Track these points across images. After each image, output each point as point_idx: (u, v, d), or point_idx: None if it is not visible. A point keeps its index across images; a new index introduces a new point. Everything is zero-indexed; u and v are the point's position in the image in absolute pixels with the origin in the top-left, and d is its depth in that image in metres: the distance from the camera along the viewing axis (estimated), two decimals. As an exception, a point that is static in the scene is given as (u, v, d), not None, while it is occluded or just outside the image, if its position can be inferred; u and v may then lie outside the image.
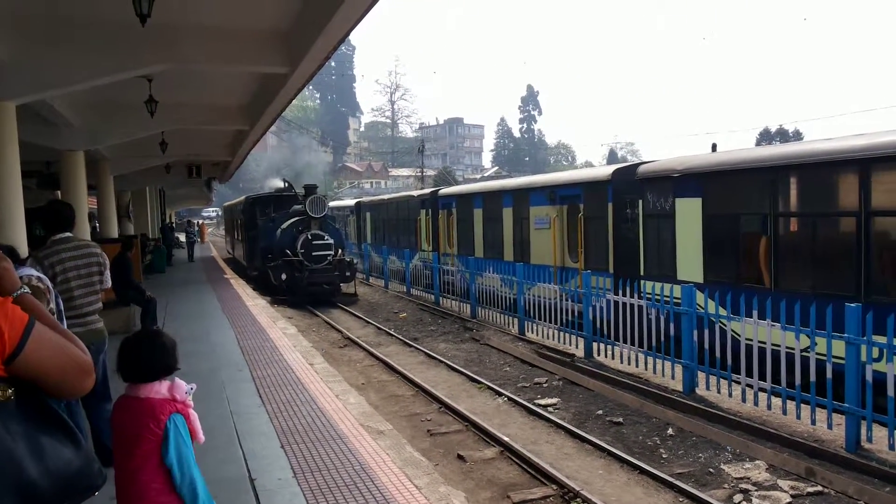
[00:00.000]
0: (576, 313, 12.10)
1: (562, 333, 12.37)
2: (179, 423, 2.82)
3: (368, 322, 16.32)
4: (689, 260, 11.22)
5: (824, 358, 7.25)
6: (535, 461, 6.87)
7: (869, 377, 6.78)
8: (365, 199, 34.27)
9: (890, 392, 6.58)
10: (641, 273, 12.29)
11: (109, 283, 5.75)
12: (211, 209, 71.27)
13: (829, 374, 7.18)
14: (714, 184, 10.95)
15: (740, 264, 10.49)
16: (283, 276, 18.97)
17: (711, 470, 6.84)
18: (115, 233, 17.52)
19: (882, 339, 6.73)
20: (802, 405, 7.64)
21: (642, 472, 6.75)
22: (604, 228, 13.55)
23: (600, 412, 8.78)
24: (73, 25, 7.98)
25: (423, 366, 11.84)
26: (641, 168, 12.70)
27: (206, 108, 13.69)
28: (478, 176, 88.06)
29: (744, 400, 8.34)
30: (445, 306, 18.06)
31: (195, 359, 9.26)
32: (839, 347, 7.09)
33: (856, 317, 6.91)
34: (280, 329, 12.20)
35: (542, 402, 9.30)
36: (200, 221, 50.57)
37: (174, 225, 44.90)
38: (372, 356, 12.57)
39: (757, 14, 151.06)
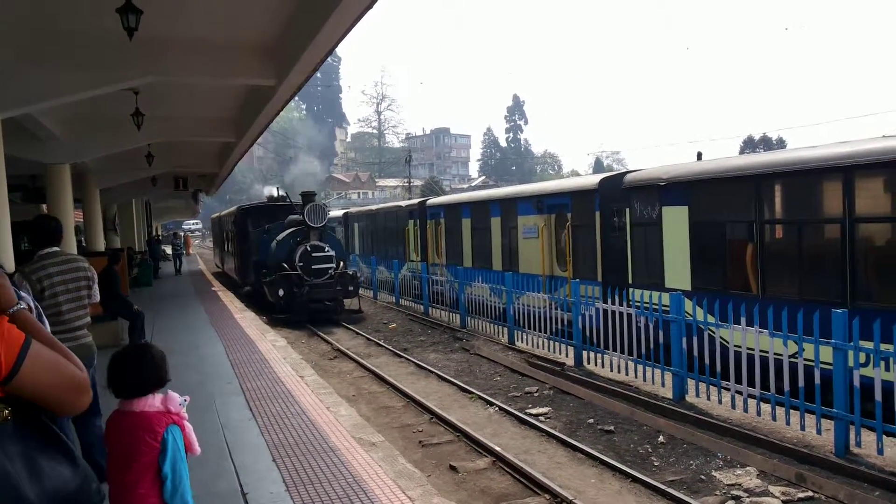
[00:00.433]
0: (565, 322, 12.13)
1: (551, 342, 12.39)
2: (176, 435, 2.83)
3: (358, 333, 16.28)
4: (677, 268, 11.29)
5: (812, 364, 7.31)
6: (528, 471, 6.86)
7: (857, 382, 6.84)
8: (353, 209, 34.25)
9: (878, 397, 6.64)
10: (629, 281, 12.35)
11: (98, 298, 5.71)
12: (192, 221, 69.51)
13: (817, 380, 7.24)
14: (700, 192, 11.04)
15: (727, 271, 10.57)
16: (281, 293, 17.42)
17: (703, 477, 6.86)
18: (101, 246, 17.42)
19: (869, 345, 6.81)
20: (791, 411, 7.70)
21: (635, 480, 6.76)
22: (592, 237, 13.62)
23: (591, 420, 8.79)
24: (59, 39, 7.97)
25: (413, 376, 11.81)
26: (628, 177, 12.79)
27: (193, 121, 13.68)
28: (465, 186, 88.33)
29: (733, 406, 8.38)
30: (435, 316, 18.05)
31: (184, 372, 9.21)
32: (827, 353, 7.15)
33: (842, 323, 6.97)
34: (269, 341, 12.15)
35: (534, 411, 9.31)
36: (185, 234, 50.21)
37: (161, 238, 44.66)
38: (362, 367, 12.53)
39: (740, 23, 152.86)
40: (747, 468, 6.94)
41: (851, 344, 6.89)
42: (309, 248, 17.86)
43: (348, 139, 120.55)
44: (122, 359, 2.93)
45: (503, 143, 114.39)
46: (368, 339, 15.45)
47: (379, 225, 27.55)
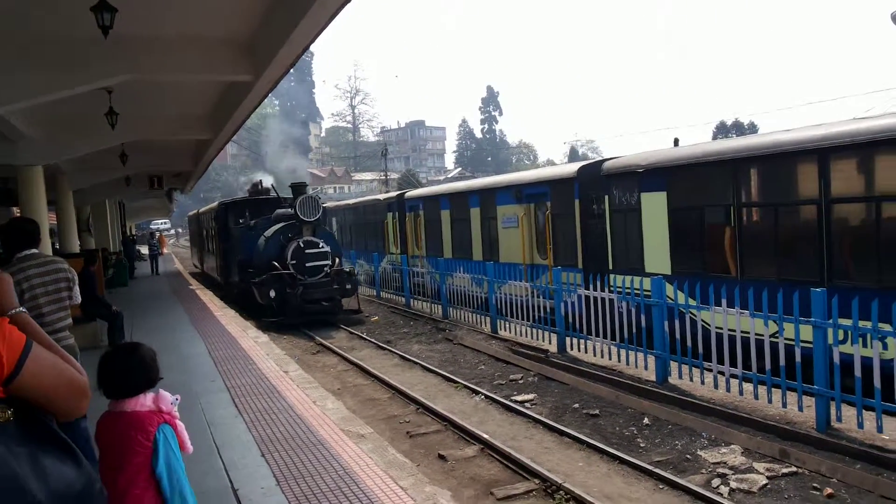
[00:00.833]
0: (547, 309, 12.20)
1: (534, 330, 12.46)
2: (168, 434, 2.81)
3: (340, 327, 16.23)
4: (657, 253, 11.41)
5: (793, 343, 7.43)
6: (516, 457, 6.92)
7: (836, 359, 6.97)
8: (331, 203, 34.08)
9: (857, 372, 6.78)
10: (610, 267, 12.46)
11: (79, 299, 5.64)
12: (160, 221, 67.89)
13: (797, 358, 7.36)
14: (678, 177, 11.15)
15: (706, 255, 10.69)
16: (272, 294, 15.94)
17: (689, 456, 6.96)
18: (76, 248, 17.17)
19: (847, 322, 6.94)
20: (773, 389, 7.83)
21: (622, 461, 6.84)
22: (571, 225, 13.69)
23: (577, 405, 8.86)
24: (30, 38, 7.82)
25: (397, 368, 11.82)
26: (607, 164, 12.87)
27: (168, 118, 13.51)
28: (441, 178, 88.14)
29: (716, 387, 8.50)
30: (417, 308, 18.05)
31: (166, 372, 8.90)
32: (807, 332, 7.27)
33: (822, 301, 7.09)
34: (251, 338, 12.09)
35: (519, 398, 9.36)
36: (160, 233, 49.59)
37: (135, 237, 44.12)
38: (346, 361, 12.51)
39: (714, 7, 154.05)
40: (732, 446, 7.06)
41: (831, 322, 7.01)
42: (302, 245, 16.59)
43: (323, 134, 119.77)
44: (112, 358, 2.90)
45: (478, 135, 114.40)
46: (351, 332, 15.42)
47: (358, 219, 27.47)
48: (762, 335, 7.82)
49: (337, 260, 17.32)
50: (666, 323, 9.19)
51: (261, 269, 16.77)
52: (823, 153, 8.71)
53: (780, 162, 9.55)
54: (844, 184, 8.85)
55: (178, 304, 17.86)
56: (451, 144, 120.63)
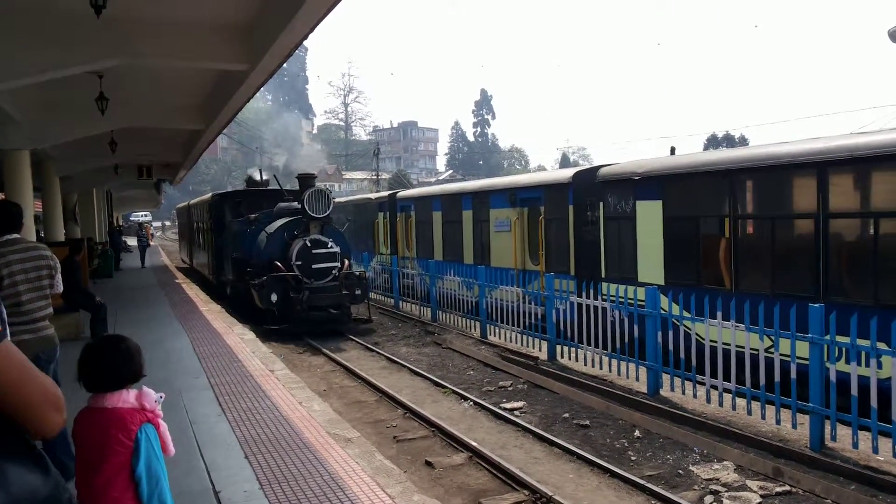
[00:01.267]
0: (538, 316, 12.07)
1: (524, 336, 12.32)
2: (151, 434, 2.65)
3: (349, 337, 15.90)
4: (650, 262, 11.30)
5: (788, 358, 7.33)
6: (506, 466, 6.76)
7: (833, 377, 6.87)
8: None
9: (853, 391, 6.68)
10: (603, 275, 12.34)
11: (61, 288, 5.45)
12: (141, 213, 66.57)
13: (793, 375, 7.26)
14: (674, 186, 11.05)
15: (700, 266, 10.59)
16: (274, 298, 14.30)
17: (681, 471, 6.83)
18: (61, 236, 16.86)
19: (843, 339, 6.84)
20: (767, 405, 7.72)
21: (613, 475, 6.70)
22: (565, 231, 13.58)
23: (567, 415, 8.72)
24: (20, 16, 7.58)
25: (385, 370, 11.64)
26: (602, 171, 12.76)
27: (160, 107, 13.26)
28: (432, 179, 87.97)
29: (708, 401, 8.38)
30: (405, 310, 17.87)
31: (149, 366, 8.69)
32: (803, 348, 7.16)
33: (819, 317, 6.99)
34: (237, 335, 11.87)
35: (508, 405, 9.21)
36: (146, 224, 48.96)
37: (122, 228, 43.66)
38: (333, 361, 12.31)
39: (711, 20, 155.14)
40: (724, 462, 6.94)
41: (828, 338, 6.91)
42: (309, 243, 14.86)
43: (315, 131, 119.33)
44: (95, 350, 2.77)
45: (471, 138, 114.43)
46: (343, 335, 15.18)
47: (348, 217, 27.22)
48: (756, 349, 7.72)
49: (346, 262, 15.69)
50: (659, 334, 9.07)
51: (260, 269, 15.13)
52: (822, 167, 8.62)
53: (779, 174, 9.47)
54: (843, 198, 8.78)
55: (164, 297, 17.58)
56: (443, 146, 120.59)
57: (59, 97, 11.68)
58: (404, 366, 11.74)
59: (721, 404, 8.23)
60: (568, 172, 14.26)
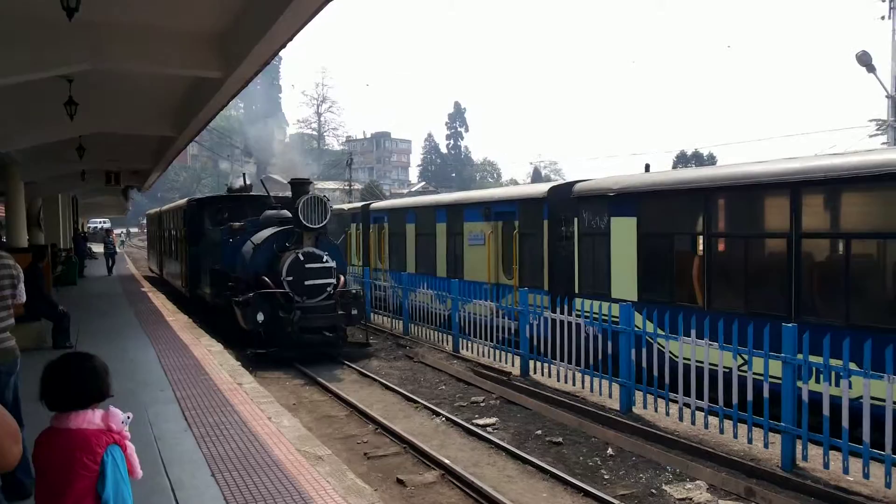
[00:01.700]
0: (511, 331, 12.02)
1: (497, 351, 12.25)
2: (117, 456, 2.52)
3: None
4: (624, 278, 11.32)
5: (761, 377, 7.35)
6: (479, 485, 6.66)
7: (805, 397, 6.90)
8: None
9: (825, 412, 6.71)
10: (576, 290, 12.34)
11: (24, 298, 5.27)
12: (98, 220, 64.47)
13: (765, 394, 7.28)
14: (649, 203, 11.10)
15: (674, 284, 10.63)
16: (260, 318, 12.77)
17: (654, 490, 6.80)
18: (24, 242, 16.44)
19: (816, 359, 6.88)
20: (739, 424, 7.73)
21: (587, 493, 6.64)
22: (539, 246, 13.57)
23: (539, 432, 8.65)
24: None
25: (356, 384, 11.48)
26: (577, 186, 12.78)
27: (130, 113, 13.01)
28: (405, 191, 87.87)
29: (681, 419, 8.38)
30: (377, 322, 17.71)
31: (113, 379, 8.63)
32: (776, 367, 7.19)
33: (792, 337, 7.02)
34: (205, 346, 11.62)
35: (481, 421, 9.12)
36: (109, 229, 47.85)
37: (87, 234, 42.80)
38: (303, 374, 12.11)
39: (684, 40, 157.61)
40: (697, 482, 6.91)
41: (801, 358, 6.95)
42: (301, 257, 13.30)
43: (287, 140, 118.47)
44: (60, 365, 2.60)
45: (444, 150, 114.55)
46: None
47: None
48: (729, 368, 7.74)
49: (342, 278, 14.26)
50: (633, 351, 9.06)
51: (245, 284, 13.52)
52: (796, 187, 8.72)
53: (753, 193, 9.55)
54: (816, 219, 8.87)
55: (129, 306, 17.20)
56: (416, 158, 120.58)
57: (27, 101, 11.38)
58: (375, 379, 11.60)
59: (693, 422, 8.24)
60: (543, 187, 14.27)
